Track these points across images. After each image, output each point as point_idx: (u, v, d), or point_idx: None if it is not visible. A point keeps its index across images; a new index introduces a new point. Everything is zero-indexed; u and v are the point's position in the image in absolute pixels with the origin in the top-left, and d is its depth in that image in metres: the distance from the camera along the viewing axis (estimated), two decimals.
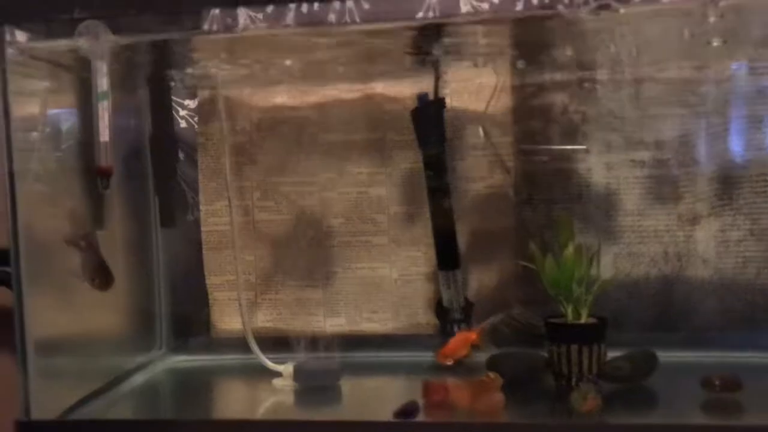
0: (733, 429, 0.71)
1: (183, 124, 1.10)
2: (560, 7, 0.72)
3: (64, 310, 0.86)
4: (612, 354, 0.88)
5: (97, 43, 0.70)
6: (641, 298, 1.02)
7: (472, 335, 0.94)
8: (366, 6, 0.72)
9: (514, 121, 1.03)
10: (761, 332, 0.98)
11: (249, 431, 0.73)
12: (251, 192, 1.07)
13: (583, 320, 0.88)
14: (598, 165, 1.02)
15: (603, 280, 0.88)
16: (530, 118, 1.03)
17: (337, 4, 0.72)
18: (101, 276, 0.82)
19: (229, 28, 0.73)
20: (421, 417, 0.76)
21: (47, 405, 0.78)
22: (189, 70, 0.99)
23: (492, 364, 0.89)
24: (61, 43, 0.73)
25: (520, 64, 1.00)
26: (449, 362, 0.93)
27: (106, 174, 0.75)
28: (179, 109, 1.11)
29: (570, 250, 0.87)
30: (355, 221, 1.06)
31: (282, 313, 1.07)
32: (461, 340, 0.94)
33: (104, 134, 0.73)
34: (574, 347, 0.86)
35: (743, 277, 0.99)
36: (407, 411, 0.76)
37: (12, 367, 0.78)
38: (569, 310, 0.88)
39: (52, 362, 0.81)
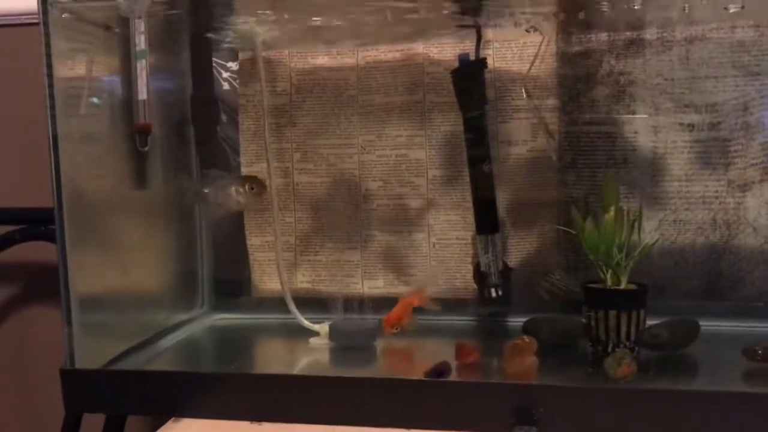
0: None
1: (226, 86, 1.12)
2: None
3: (109, 269, 0.89)
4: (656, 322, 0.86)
5: (136, 2, 0.71)
6: (687, 266, 0.99)
7: (413, 300, 0.93)
8: None
9: (559, 83, 1.01)
10: None
11: (280, 385, 0.74)
12: (291, 154, 1.08)
13: (622, 286, 0.86)
14: (644, 128, 0.99)
15: (643, 246, 0.86)
16: (575, 79, 1.00)
17: None
18: (251, 183, 0.88)
19: None
20: (452, 377, 0.77)
21: (91, 356, 0.81)
22: (230, 31, 0.99)
23: (528, 329, 0.89)
24: (102, 3, 0.74)
25: (566, 23, 0.97)
26: (395, 330, 0.91)
27: (144, 131, 0.76)
28: (222, 71, 1.12)
29: (611, 214, 0.85)
30: (393, 184, 1.06)
31: (321, 274, 1.08)
32: (404, 306, 0.93)
33: (142, 92, 0.74)
34: (612, 313, 0.84)
35: None
36: (439, 371, 0.77)
37: None
38: (608, 276, 0.86)
39: (97, 317, 0.84)
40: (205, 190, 0.91)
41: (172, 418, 0.75)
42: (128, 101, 0.81)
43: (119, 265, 0.91)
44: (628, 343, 0.84)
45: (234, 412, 0.74)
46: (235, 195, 0.88)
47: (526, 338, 0.84)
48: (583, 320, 0.88)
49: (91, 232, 0.84)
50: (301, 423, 0.73)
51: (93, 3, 0.74)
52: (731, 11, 0.87)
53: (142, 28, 0.73)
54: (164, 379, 0.76)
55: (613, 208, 0.85)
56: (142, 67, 0.74)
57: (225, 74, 1.12)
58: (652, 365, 0.82)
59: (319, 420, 0.72)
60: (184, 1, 0.80)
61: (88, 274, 0.83)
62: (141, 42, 0.73)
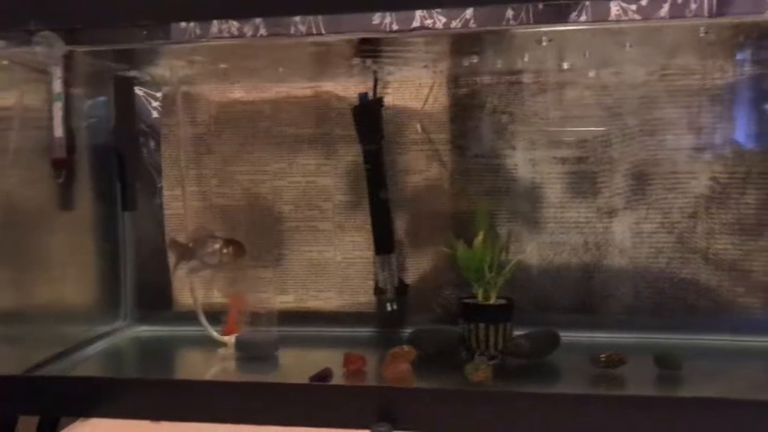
0: (587, 397, 0.80)
1: (155, 114, 1.21)
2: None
3: (33, 283, 0.97)
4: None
5: (52, 51, 0.80)
6: (563, 283, 1.11)
7: (238, 307, 1.07)
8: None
9: (450, 119, 1.13)
10: (669, 317, 1.07)
11: (177, 389, 0.84)
12: (209, 179, 1.18)
13: (491, 301, 0.98)
14: (523, 161, 1.11)
15: (510, 265, 0.98)
16: (464, 117, 1.12)
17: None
18: (234, 246, 1.02)
19: (199, 38, 0.82)
20: (338, 382, 0.87)
21: (12, 364, 0.90)
22: (151, 69, 1.09)
23: (412, 339, 1.00)
24: (21, 51, 0.84)
25: (455, 67, 1.09)
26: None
27: (59, 165, 0.86)
28: (151, 100, 1.22)
29: (480, 238, 0.96)
30: (303, 208, 1.17)
31: (236, 290, 1.18)
32: (235, 317, 1.07)
33: (58, 130, 0.83)
34: (482, 325, 0.96)
35: (655, 266, 1.08)
36: (322, 376, 0.87)
37: None
38: (480, 292, 0.98)
39: (19, 329, 0.93)
40: (189, 245, 1.04)
41: (80, 418, 0.84)
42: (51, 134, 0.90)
43: (44, 280, 0.99)
44: (495, 352, 0.96)
45: (135, 413, 0.83)
46: (220, 255, 1.03)
47: (405, 347, 0.95)
48: (461, 331, 0.99)
49: (15, 250, 0.93)
50: (194, 422, 0.82)
51: (12, 51, 0.84)
52: (565, 67, 1.00)
53: (59, 74, 0.83)
54: (73, 383, 0.85)
55: (482, 233, 0.96)
56: (58, 108, 0.83)
57: (154, 103, 1.22)
58: (515, 371, 0.94)
59: (211, 419, 0.82)
60: (107, 51, 0.90)
61: (10, 288, 0.92)
62: (57, 86, 0.83)
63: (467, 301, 0.99)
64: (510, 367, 0.94)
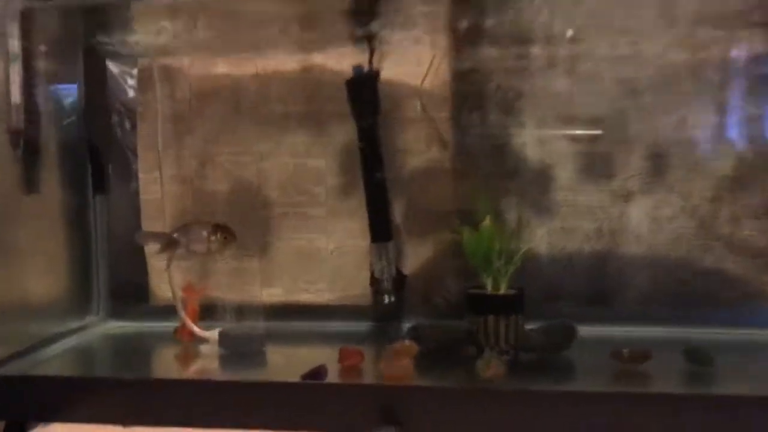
0: (611, 396, 0.72)
1: (131, 93, 1.12)
2: None
3: None
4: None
5: (8, 5, 0.71)
6: (575, 272, 1.03)
7: (194, 298, 1.00)
8: None
9: (452, 96, 1.04)
10: (690, 308, 1.00)
11: (148, 389, 0.75)
12: (189, 161, 1.09)
13: (501, 291, 0.89)
14: (532, 140, 1.03)
15: (521, 254, 0.89)
16: (467, 92, 1.03)
17: None
18: (223, 232, 0.95)
19: None
20: (334, 380, 0.78)
21: None
22: (125, 38, 1.00)
23: (413, 334, 0.91)
24: None
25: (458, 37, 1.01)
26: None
27: (16, 134, 0.76)
28: (128, 78, 1.13)
29: (487, 223, 0.88)
30: (292, 192, 1.08)
31: (219, 281, 1.09)
32: (192, 311, 0.99)
33: (15, 96, 0.74)
34: (491, 318, 0.87)
35: (675, 254, 1.01)
36: (315, 374, 0.78)
37: None
38: (489, 282, 0.89)
39: None
40: (174, 235, 0.96)
41: (41, 424, 0.75)
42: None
43: (6, 271, 0.90)
44: (506, 346, 0.87)
45: (108, 416, 0.74)
46: (208, 242, 0.94)
47: (407, 342, 0.87)
48: (468, 325, 0.90)
49: None
50: (172, 426, 0.73)
51: None
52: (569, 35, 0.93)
53: (16, 32, 0.73)
54: (39, 384, 0.76)
55: (488, 217, 0.88)
56: (15, 71, 0.74)
57: (130, 81, 1.12)
58: (529, 367, 0.85)
59: (190, 423, 0.73)
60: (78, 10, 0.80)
61: None
62: (14, 45, 0.73)
63: (474, 291, 0.90)
64: (523, 363, 0.86)
